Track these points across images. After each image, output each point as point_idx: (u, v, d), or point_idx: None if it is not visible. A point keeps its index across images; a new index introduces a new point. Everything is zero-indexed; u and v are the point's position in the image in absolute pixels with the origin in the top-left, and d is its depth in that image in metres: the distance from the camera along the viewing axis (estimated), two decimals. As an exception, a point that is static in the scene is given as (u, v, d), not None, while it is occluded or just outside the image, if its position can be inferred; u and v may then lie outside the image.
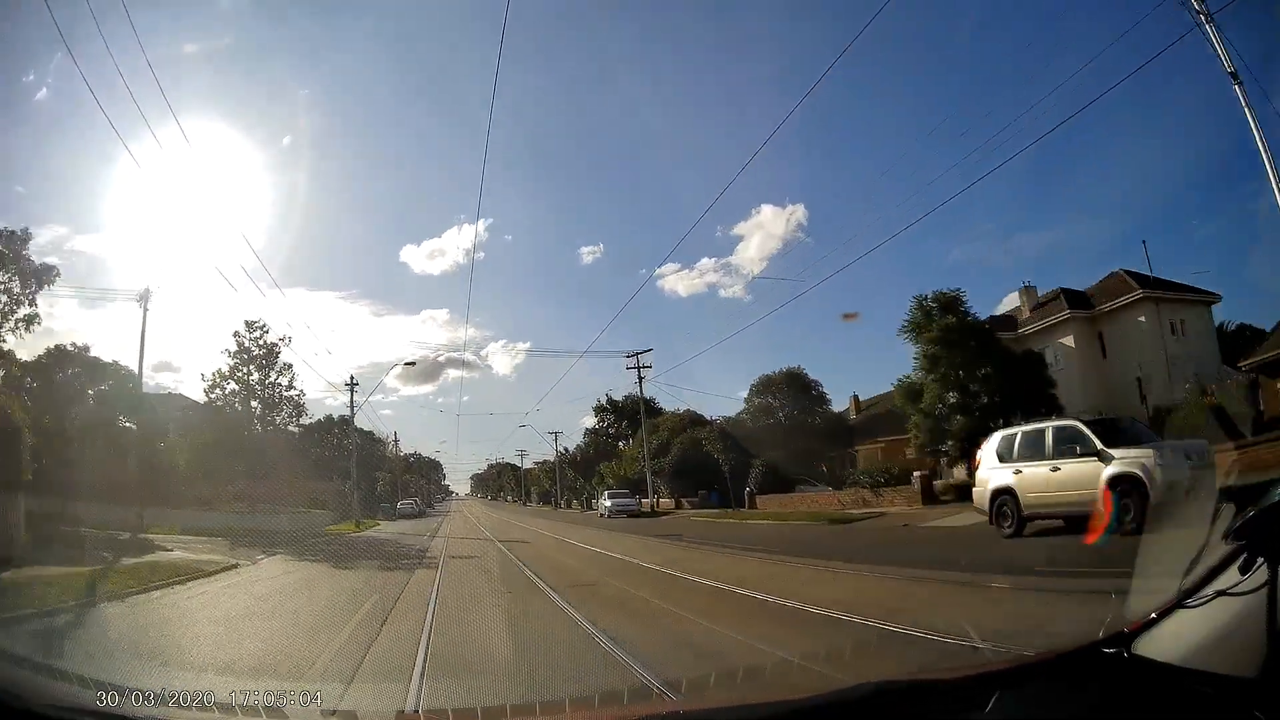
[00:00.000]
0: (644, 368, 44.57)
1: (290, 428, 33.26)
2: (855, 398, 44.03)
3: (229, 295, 71.95)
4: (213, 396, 32.07)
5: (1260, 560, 1.76)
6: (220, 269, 69.51)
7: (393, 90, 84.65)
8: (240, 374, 32.35)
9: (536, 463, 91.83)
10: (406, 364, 34.59)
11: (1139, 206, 45.08)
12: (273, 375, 32.55)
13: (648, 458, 44.19)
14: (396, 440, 78.90)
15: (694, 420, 46.19)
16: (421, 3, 68.30)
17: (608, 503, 39.99)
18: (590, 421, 67.62)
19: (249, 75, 66.74)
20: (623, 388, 70.70)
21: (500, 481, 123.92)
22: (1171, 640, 1.99)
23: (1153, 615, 2.07)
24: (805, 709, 2.29)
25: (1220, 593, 1.86)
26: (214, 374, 32.29)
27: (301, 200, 63.01)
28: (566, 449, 70.44)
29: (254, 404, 32.42)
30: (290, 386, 32.99)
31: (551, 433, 74.43)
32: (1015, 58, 56.21)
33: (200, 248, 73.58)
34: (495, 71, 37.38)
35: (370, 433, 69.64)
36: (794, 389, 39.15)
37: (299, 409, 33.55)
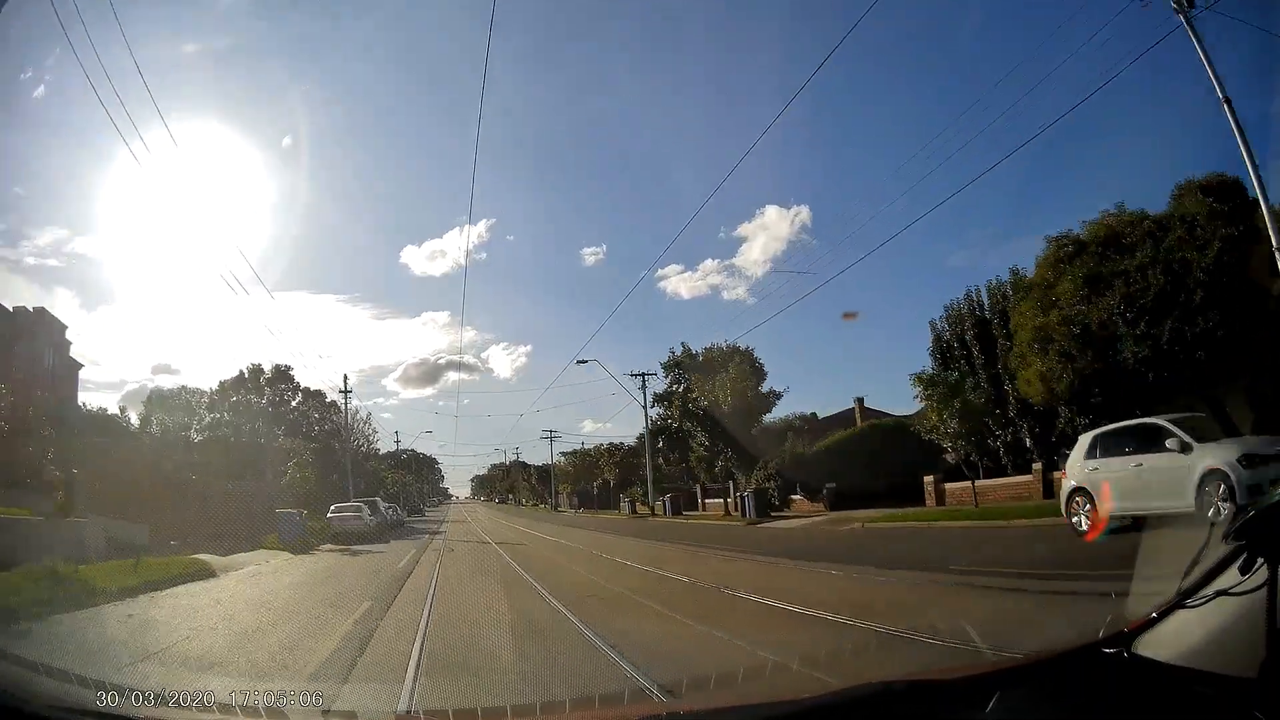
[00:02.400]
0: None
1: None
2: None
3: (230, 297, 71.81)
4: None
5: (1260, 560, 1.76)
6: (222, 273, 69.72)
7: (394, 89, 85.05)
8: None
9: (564, 454, 76.57)
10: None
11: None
12: None
13: None
14: (347, 390, 45.92)
15: None
16: (423, 2, 68.62)
17: None
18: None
19: (249, 75, 67.09)
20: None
21: (509, 481, 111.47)
22: (1172, 640, 1.99)
23: (1153, 615, 2.07)
24: (805, 709, 2.28)
25: (1220, 593, 1.86)
26: None
27: (302, 201, 63.08)
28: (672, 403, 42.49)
29: None
30: None
31: (636, 374, 45.33)
32: (1017, 56, 56.13)
33: (200, 249, 73.59)
34: (484, 70, 37.36)
35: (319, 393, 49.73)
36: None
37: None
